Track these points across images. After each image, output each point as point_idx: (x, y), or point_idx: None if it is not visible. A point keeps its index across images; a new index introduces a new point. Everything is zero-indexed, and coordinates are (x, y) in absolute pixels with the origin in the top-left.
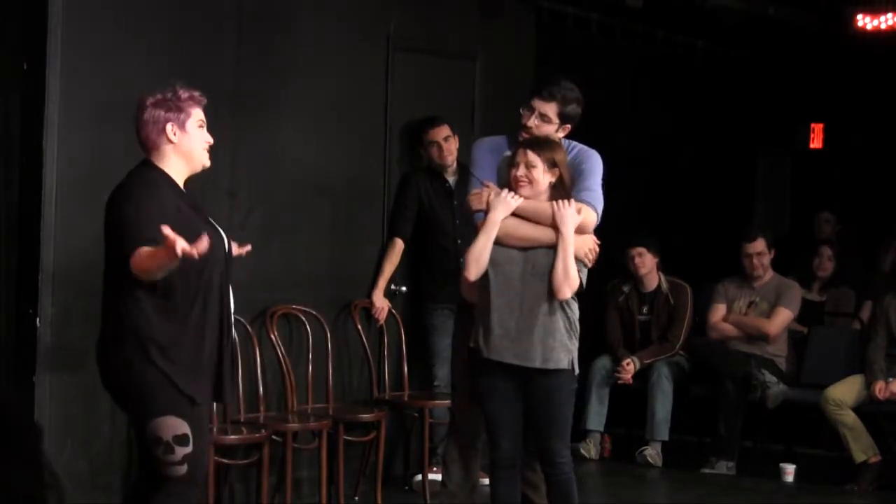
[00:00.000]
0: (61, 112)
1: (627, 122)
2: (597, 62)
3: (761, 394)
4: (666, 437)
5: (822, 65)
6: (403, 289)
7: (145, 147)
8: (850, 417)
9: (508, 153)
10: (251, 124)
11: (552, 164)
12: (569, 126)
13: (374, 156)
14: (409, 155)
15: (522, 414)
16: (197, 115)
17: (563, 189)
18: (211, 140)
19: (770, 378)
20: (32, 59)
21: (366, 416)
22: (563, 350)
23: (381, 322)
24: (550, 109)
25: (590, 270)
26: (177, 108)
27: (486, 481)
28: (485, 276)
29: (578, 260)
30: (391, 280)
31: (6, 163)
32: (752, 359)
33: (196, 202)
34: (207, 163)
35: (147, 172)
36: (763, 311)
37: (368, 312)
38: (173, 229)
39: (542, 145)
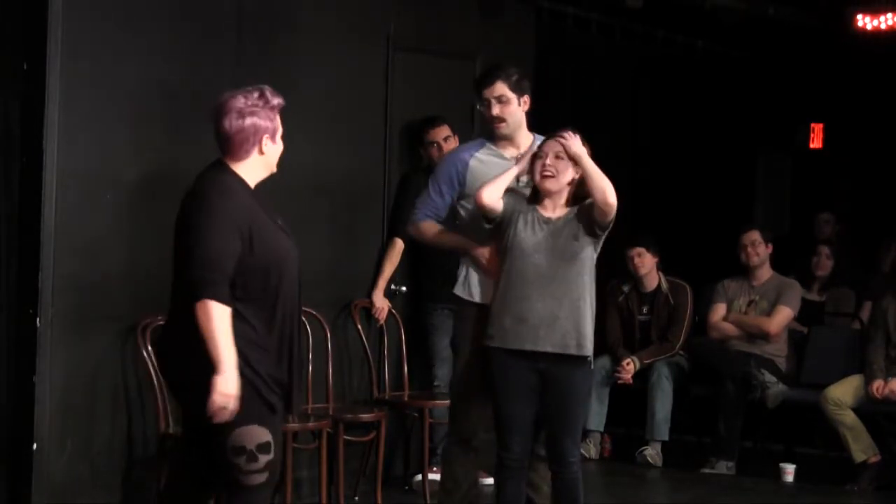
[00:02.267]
0: (61, 113)
1: (627, 122)
2: (597, 62)
3: (761, 394)
4: (666, 437)
5: (823, 65)
6: (403, 289)
7: (229, 150)
8: (849, 417)
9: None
10: None
11: (577, 161)
12: (527, 97)
13: (373, 155)
14: (409, 154)
15: (537, 416)
16: (280, 124)
17: (582, 189)
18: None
19: (770, 378)
20: (32, 59)
21: (366, 416)
22: (590, 340)
23: (381, 322)
24: (499, 89)
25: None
26: (270, 118)
27: (487, 481)
28: (512, 265)
29: (592, 235)
30: (391, 280)
31: (6, 163)
32: (751, 359)
33: (267, 206)
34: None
35: (223, 177)
36: (763, 310)
37: (368, 312)
38: (251, 247)
39: (566, 138)
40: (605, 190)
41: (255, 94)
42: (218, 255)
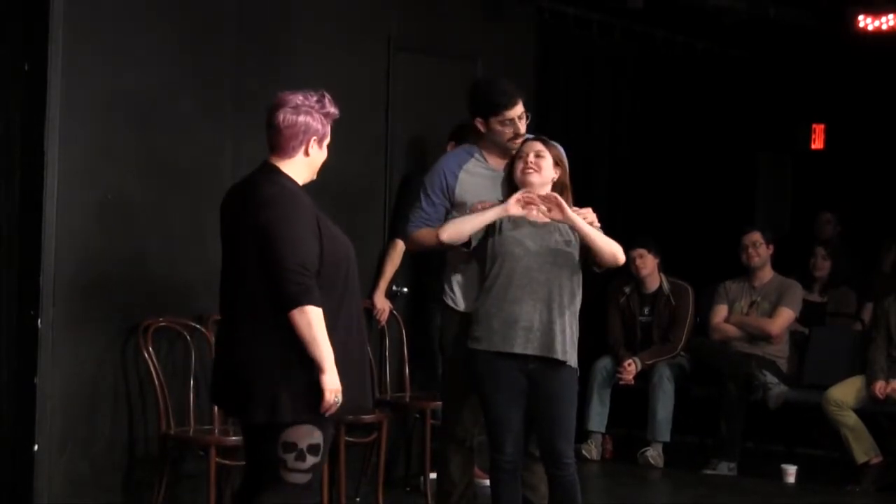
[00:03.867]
0: (63, 112)
1: (628, 123)
2: (598, 63)
3: (762, 395)
4: (667, 438)
5: (824, 65)
6: (405, 290)
7: (277, 145)
8: (851, 418)
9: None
10: (253, 125)
11: (557, 162)
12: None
13: (375, 156)
14: (410, 156)
15: (526, 415)
16: (329, 133)
17: (565, 189)
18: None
19: (771, 379)
20: (34, 59)
21: (367, 418)
22: (575, 346)
23: (383, 323)
24: (521, 108)
25: (592, 272)
26: (322, 123)
27: (484, 482)
28: (501, 269)
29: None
30: (392, 281)
31: (7, 164)
32: (753, 360)
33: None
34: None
35: (279, 179)
36: (765, 311)
37: (370, 313)
38: (320, 240)
39: (548, 142)
40: (616, 254)
41: (314, 97)
42: (305, 260)
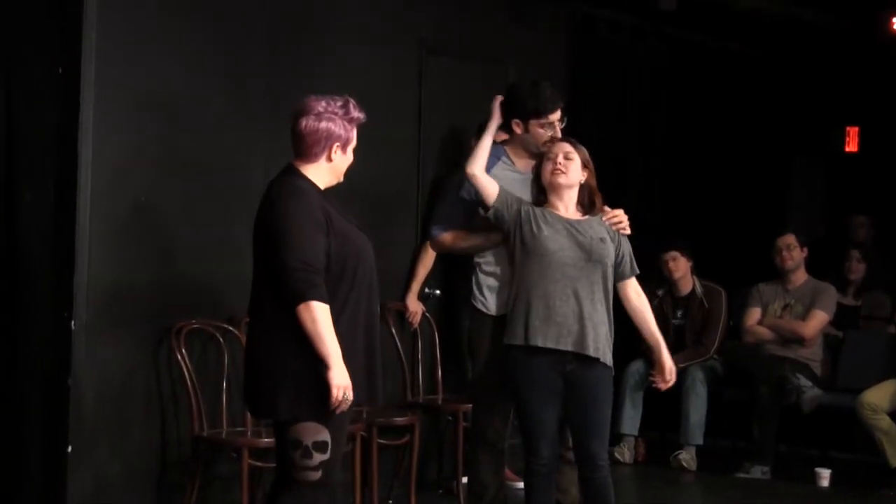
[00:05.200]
0: (96, 115)
1: (660, 126)
2: (630, 65)
3: (796, 398)
4: (700, 442)
5: (858, 68)
6: (437, 292)
7: (300, 150)
8: (885, 422)
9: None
10: (284, 128)
11: (585, 164)
12: None
13: (407, 159)
14: (442, 158)
15: (561, 417)
16: (355, 138)
17: (591, 192)
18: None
19: (805, 382)
20: (67, 63)
21: (399, 420)
22: (610, 345)
23: (415, 326)
24: (560, 112)
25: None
26: (346, 129)
27: (516, 484)
28: (536, 264)
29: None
30: (425, 283)
31: (41, 166)
32: (786, 363)
33: (339, 205)
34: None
35: (293, 180)
36: (798, 314)
37: (402, 316)
38: (328, 237)
39: (576, 144)
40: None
41: (339, 103)
42: (311, 257)
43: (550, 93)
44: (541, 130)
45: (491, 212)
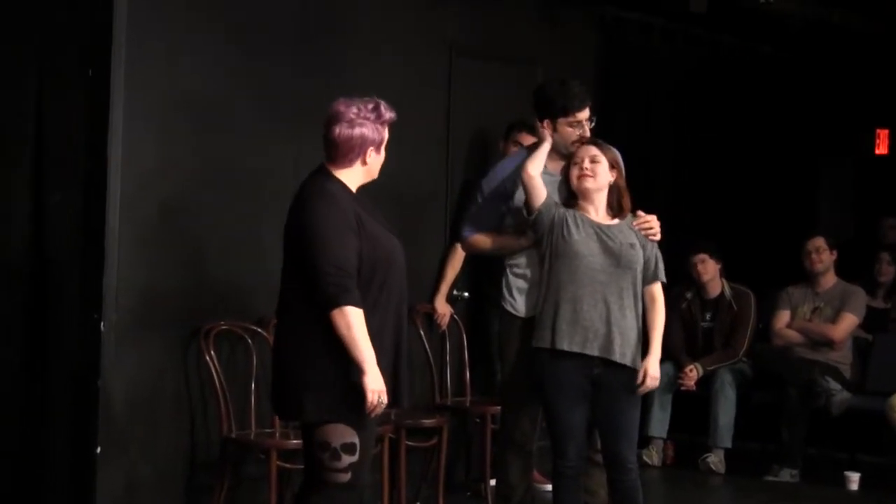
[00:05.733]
0: (125, 118)
1: (690, 127)
2: (660, 67)
3: (825, 401)
4: (729, 444)
5: (888, 70)
6: (466, 294)
7: (335, 157)
8: None
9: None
10: (313, 130)
11: (612, 165)
12: None
13: (436, 160)
14: (471, 159)
15: (589, 420)
16: (387, 136)
17: (620, 194)
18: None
19: (834, 385)
20: (97, 66)
21: (428, 422)
22: (638, 349)
23: (444, 328)
24: (588, 111)
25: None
26: (379, 131)
27: (544, 486)
28: (565, 268)
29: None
30: (453, 285)
31: (71, 170)
32: (815, 366)
33: (370, 208)
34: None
35: (324, 183)
36: (828, 317)
37: (430, 318)
38: (359, 240)
39: (603, 146)
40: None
41: (370, 106)
42: (344, 261)
43: (579, 90)
44: (569, 129)
45: (535, 215)
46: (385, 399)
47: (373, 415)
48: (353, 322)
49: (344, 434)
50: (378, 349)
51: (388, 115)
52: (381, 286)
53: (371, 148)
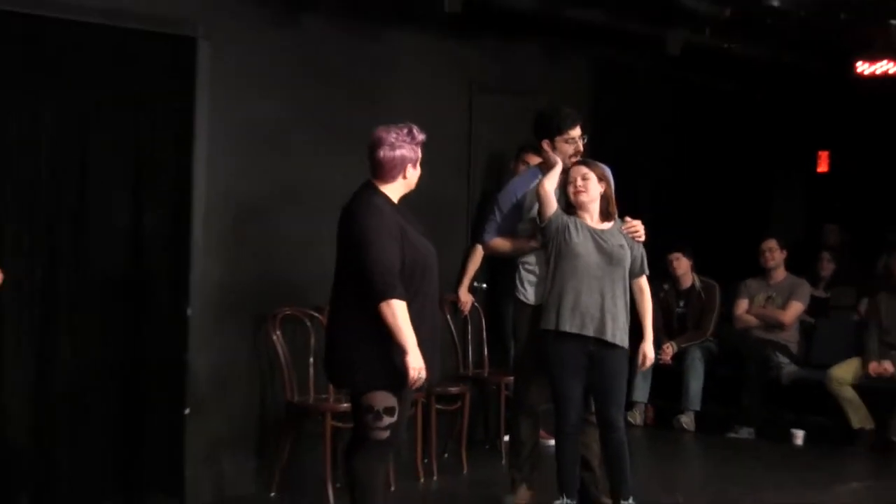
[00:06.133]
0: (207, 142)
1: (668, 151)
2: (642, 99)
3: (777, 373)
4: (698, 408)
5: (829, 102)
6: (484, 286)
7: (380, 174)
8: (849, 392)
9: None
10: (359, 151)
11: (600, 178)
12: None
13: (459, 177)
14: (487, 176)
15: (585, 388)
16: (420, 154)
17: (608, 201)
18: None
19: (784, 360)
20: (183, 101)
21: (453, 389)
22: (625, 331)
23: (466, 313)
24: (580, 129)
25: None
26: (414, 151)
27: (548, 442)
28: (567, 266)
29: (639, 242)
30: (474, 278)
31: (162, 184)
32: (769, 344)
33: (409, 217)
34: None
35: (372, 197)
36: (779, 304)
37: (455, 305)
38: (402, 247)
39: (591, 164)
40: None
41: (405, 131)
42: (390, 264)
43: (569, 112)
44: (566, 145)
45: (546, 223)
46: (424, 374)
47: (414, 387)
48: (398, 312)
49: (386, 399)
50: (418, 333)
51: (420, 136)
52: (419, 283)
53: (409, 164)
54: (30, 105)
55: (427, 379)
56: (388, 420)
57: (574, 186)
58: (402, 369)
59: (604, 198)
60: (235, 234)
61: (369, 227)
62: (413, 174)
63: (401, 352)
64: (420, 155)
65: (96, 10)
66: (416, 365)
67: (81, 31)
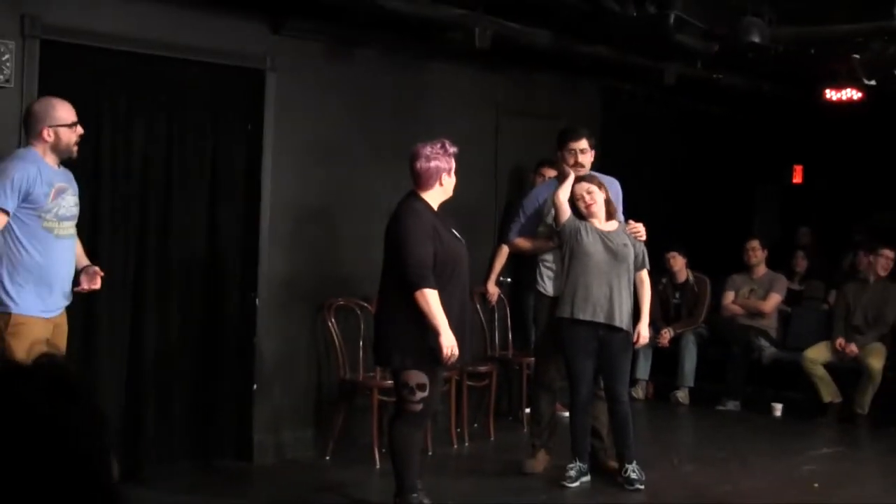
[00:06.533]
0: (274, 157)
1: (665, 165)
2: (644, 121)
3: (758, 354)
4: (692, 384)
5: (802, 124)
6: (508, 280)
7: (420, 183)
8: (820, 370)
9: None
10: (404, 167)
11: (599, 186)
12: (594, 151)
13: (487, 187)
14: (511, 185)
15: (596, 367)
16: (454, 164)
17: (609, 203)
18: None
19: (764, 343)
20: (254, 121)
21: (482, 368)
22: (630, 317)
23: (493, 303)
24: (584, 143)
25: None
26: (448, 161)
27: (563, 413)
28: (580, 263)
29: (641, 241)
30: (500, 273)
31: (235, 193)
32: (751, 330)
33: (447, 220)
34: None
35: (413, 203)
36: (760, 296)
37: (484, 297)
38: (435, 245)
39: (588, 178)
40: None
41: (438, 145)
42: (424, 258)
43: (573, 128)
44: (567, 155)
45: (561, 227)
46: (457, 352)
47: (448, 363)
48: (430, 300)
49: (418, 377)
50: (449, 317)
51: (452, 149)
52: (449, 278)
53: (444, 173)
54: (123, 128)
55: (459, 357)
56: (420, 395)
57: (584, 202)
58: (437, 349)
59: (606, 201)
60: (297, 235)
61: (407, 227)
62: (448, 182)
63: (435, 334)
64: (454, 165)
65: (181, 47)
66: (448, 343)
67: (167, 65)
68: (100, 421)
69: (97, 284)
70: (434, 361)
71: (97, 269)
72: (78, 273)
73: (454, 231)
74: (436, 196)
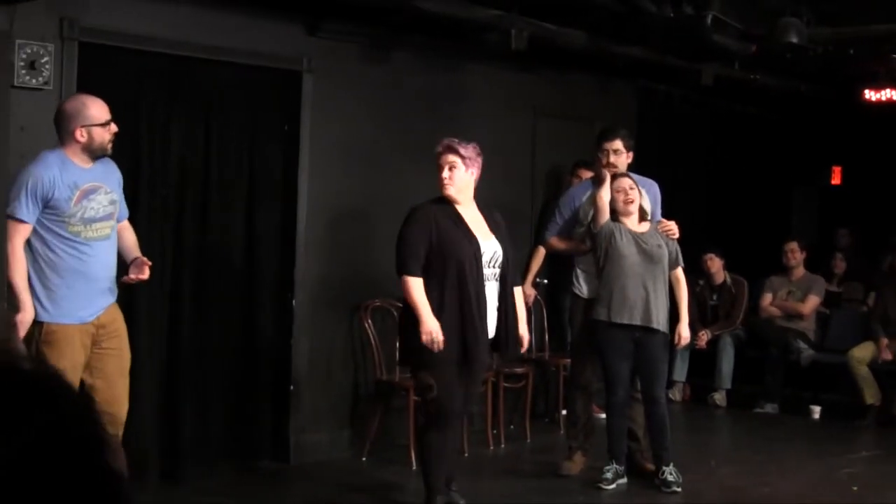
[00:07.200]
0: (310, 159)
1: (702, 166)
2: (680, 122)
3: (797, 356)
4: (729, 386)
5: (841, 125)
6: (545, 281)
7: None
8: (865, 370)
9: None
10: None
11: (634, 183)
12: (631, 152)
13: (524, 188)
14: (548, 187)
15: (632, 369)
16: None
17: (640, 203)
18: None
19: (803, 345)
20: (291, 122)
21: (518, 370)
22: (666, 318)
23: (530, 304)
24: (617, 144)
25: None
26: (478, 161)
27: (600, 415)
28: (616, 265)
29: (673, 239)
30: (536, 275)
31: (272, 194)
32: (790, 332)
33: (459, 216)
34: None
35: (428, 200)
36: (798, 298)
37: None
38: (428, 234)
39: (629, 176)
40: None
41: (469, 145)
42: (412, 247)
43: (607, 128)
44: (599, 154)
45: (598, 229)
46: (440, 338)
47: (435, 349)
48: (412, 287)
49: (424, 378)
50: (442, 308)
51: (479, 151)
52: (455, 274)
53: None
54: (161, 131)
55: (459, 358)
56: (429, 395)
57: (625, 194)
58: (422, 342)
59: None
60: (333, 237)
61: (407, 218)
62: (473, 181)
63: (416, 322)
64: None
65: (218, 49)
66: (427, 329)
67: (204, 67)
68: (87, 413)
69: (145, 275)
70: (432, 360)
71: (145, 259)
72: (128, 266)
73: (471, 227)
74: (467, 192)
